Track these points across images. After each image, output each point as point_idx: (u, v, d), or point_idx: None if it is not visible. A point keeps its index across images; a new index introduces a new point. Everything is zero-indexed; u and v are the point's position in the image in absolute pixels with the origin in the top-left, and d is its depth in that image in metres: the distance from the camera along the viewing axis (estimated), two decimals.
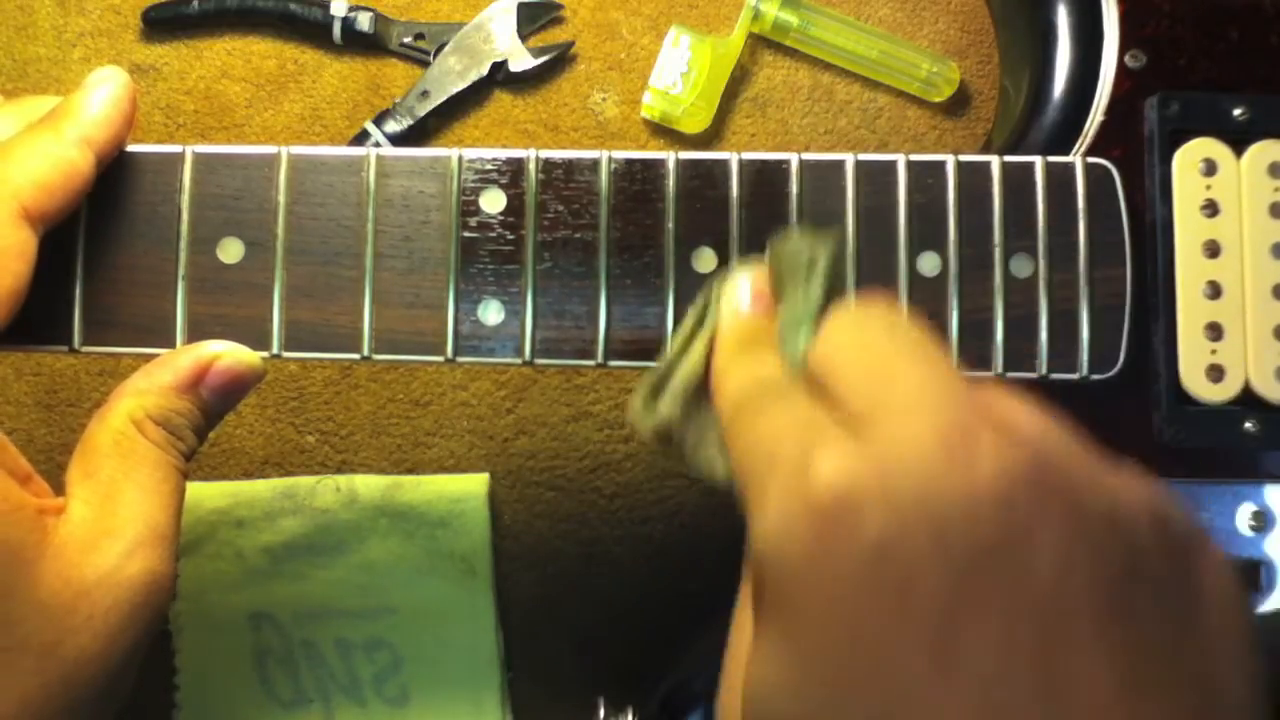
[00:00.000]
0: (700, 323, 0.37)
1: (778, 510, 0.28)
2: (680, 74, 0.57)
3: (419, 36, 0.59)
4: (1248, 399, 0.44)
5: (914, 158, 0.44)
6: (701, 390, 0.36)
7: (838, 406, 0.30)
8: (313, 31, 0.59)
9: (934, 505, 0.26)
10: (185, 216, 0.42)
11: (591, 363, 0.43)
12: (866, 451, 0.28)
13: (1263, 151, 0.45)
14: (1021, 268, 0.43)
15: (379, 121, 0.57)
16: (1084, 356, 0.43)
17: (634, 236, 0.43)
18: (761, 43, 0.59)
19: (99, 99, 0.41)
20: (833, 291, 0.35)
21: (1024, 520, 0.26)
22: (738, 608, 0.33)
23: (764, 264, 0.37)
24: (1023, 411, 0.28)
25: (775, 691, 0.28)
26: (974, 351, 0.43)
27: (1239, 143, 0.45)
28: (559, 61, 0.59)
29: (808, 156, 0.43)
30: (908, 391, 0.29)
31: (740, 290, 0.37)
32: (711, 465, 0.35)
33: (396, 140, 0.57)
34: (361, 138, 0.58)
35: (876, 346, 0.31)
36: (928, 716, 0.25)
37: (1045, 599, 0.26)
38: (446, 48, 0.58)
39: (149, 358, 0.42)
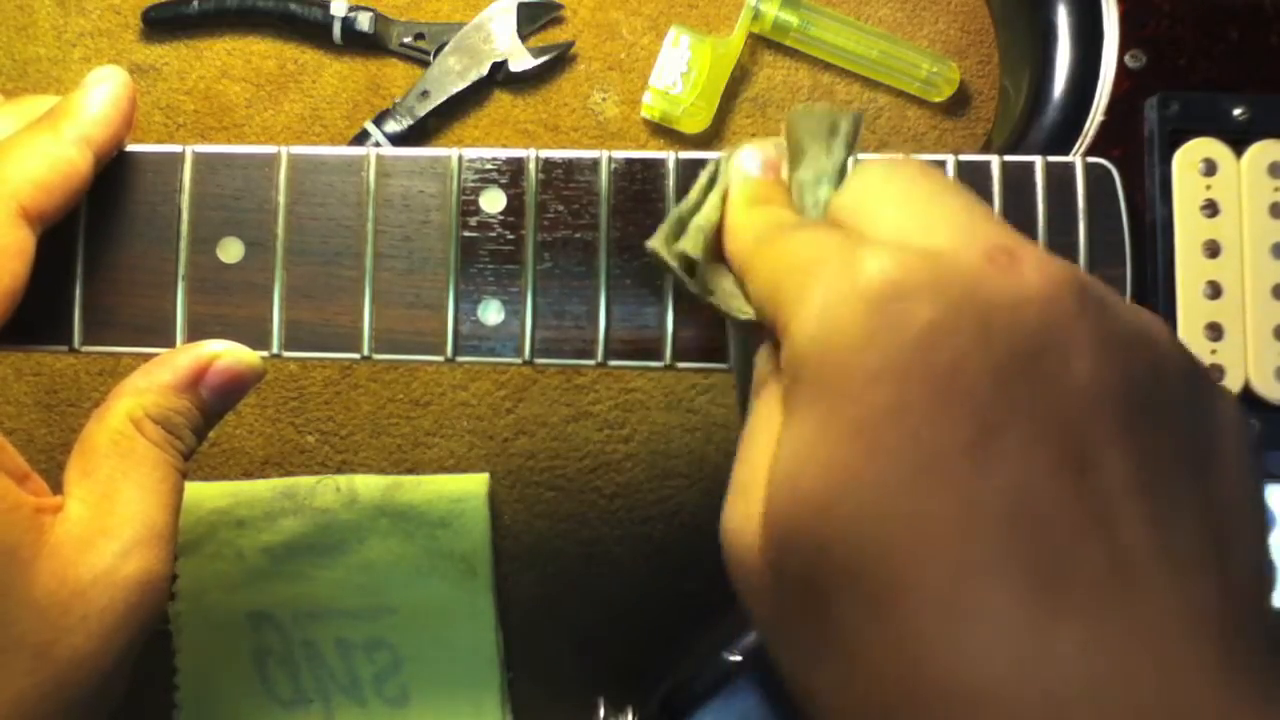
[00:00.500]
0: (712, 183, 0.39)
1: (824, 302, 0.29)
2: (680, 74, 0.57)
3: (419, 36, 0.59)
4: (1248, 399, 0.44)
5: (914, 158, 0.44)
6: (717, 242, 0.38)
7: (872, 237, 0.31)
8: (313, 31, 0.59)
9: (982, 299, 0.28)
10: (185, 216, 0.42)
11: (591, 363, 0.43)
12: (915, 253, 0.29)
13: (1263, 151, 0.45)
14: None
15: (379, 121, 0.57)
16: None
17: (634, 236, 0.43)
18: (761, 43, 0.59)
19: (98, 98, 0.41)
20: (852, 159, 0.36)
21: (1064, 321, 0.28)
22: (751, 425, 0.33)
23: (775, 139, 0.38)
24: (1054, 255, 0.30)
25: (809, 467, 0.28)
26: None
27: (1239, 143, 0.45)
28: (559, 61, 0.59)
29: None
30: (948, 217, 0.30)
31: (749, 158, 0.38)
32: (729, 301, 0.36)
33: (396, 140, 0.57)
34: (361, 138, 0.58)
35: (911, 187, 0.32)
36: (962, 510, 0.26)
37: (1081, 395, 0.27)
38: (446, 48, 0.58)
39: (149, 358, 0.42)
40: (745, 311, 0.35)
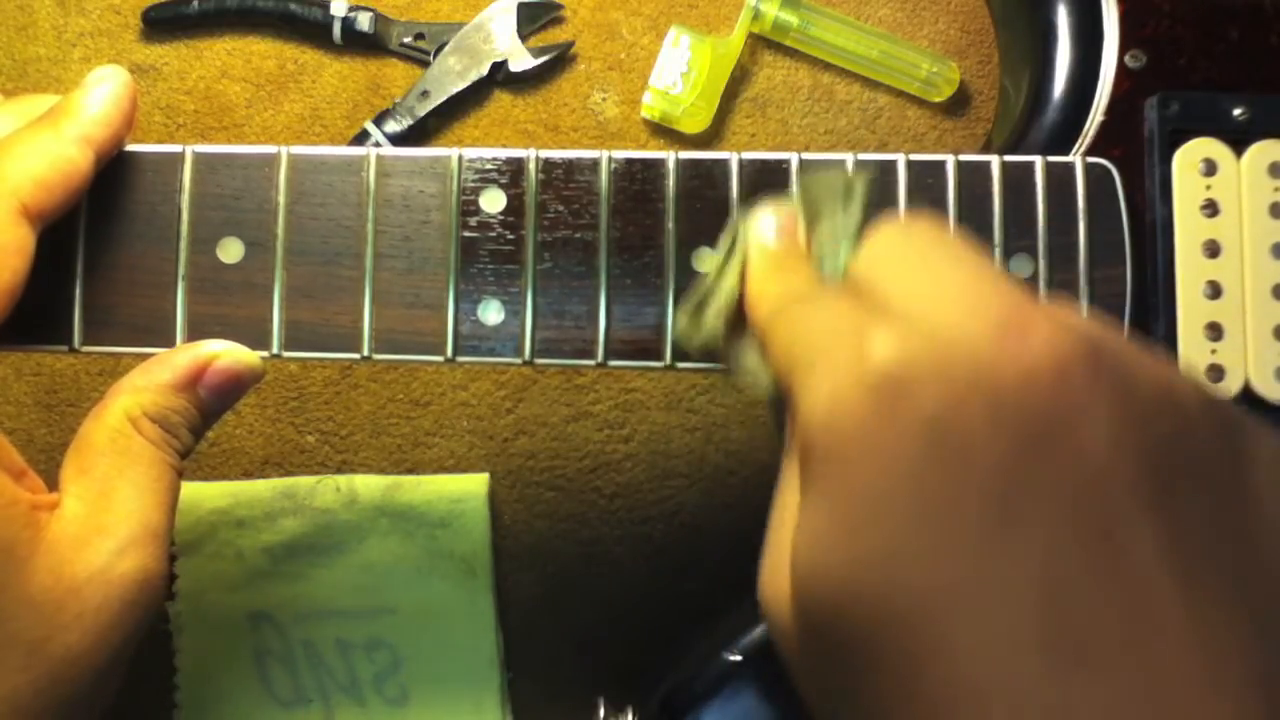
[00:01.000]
0: (731, 251, 0.39)
1: (832, 387, 0.29)
2: (680, 74, 0.57)
3: (419, 36, 0.59)
4: (1248, 399, 0.44)
5: (914, 158, 0.44)
6: (739, 316, 0.37)
7: (884, 308, 0.30)
8: (313, 31, 0.59)
9: (989, 380, 0.27)
10: (185, 216, 0.43)
11: (591, 363, 0.43)
12: (921, 335, 0.28)
13: (1263, 151, 0.45)
14: (1022, 267, 0.43)
15: (379, 121, 0.57)
16: None
17: (634, 236, 0.43)
18: (761, 43, 0.59)
19: (99, 97, 0.41)
20: (869, 218, 0.36)
21: (1077, 396, 0.27)
22: (780, 488, 0.33)
23: (788, 200, 0.38)
24: (1073, 311, 0.29)
25: (828, 557, 0.28)
26: None
27: (1239, 143, 0.45)
28: (559, 61, 0.59)
29: (808, 156, 0.43)
30: (959, 288, 0.30)
31: (765, 226, 0.38)
32: (754, 379, 0.36)
33: (396, 140, 0.57)
34: (361, 138, 0.58)
35: (924, 253, 0.31)
36: (983, 584, 0.26)
37: (1098, 473, 0.26)
38: (446, 48, 0.58)
39: (149, 358, 0.42)
40: (764, 388, 0.35)
